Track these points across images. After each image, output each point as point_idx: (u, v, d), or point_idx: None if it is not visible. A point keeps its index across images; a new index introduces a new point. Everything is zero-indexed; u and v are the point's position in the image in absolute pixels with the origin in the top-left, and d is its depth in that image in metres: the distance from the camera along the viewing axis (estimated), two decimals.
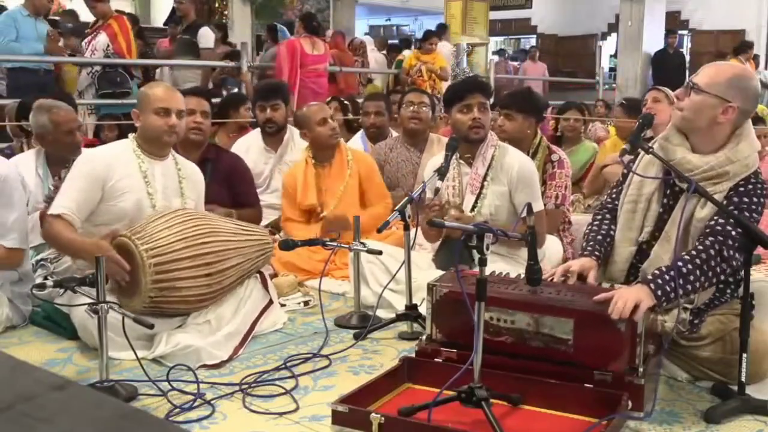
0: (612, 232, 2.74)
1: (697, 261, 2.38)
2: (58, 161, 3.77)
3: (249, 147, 4.77)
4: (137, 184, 3.05)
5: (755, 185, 2.50)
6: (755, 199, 2.48)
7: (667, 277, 2.35)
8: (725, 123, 2.51)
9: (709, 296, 2.54)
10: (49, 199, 3.47)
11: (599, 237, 2.74)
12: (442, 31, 10.09)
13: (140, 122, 3.12)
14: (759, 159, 2.57)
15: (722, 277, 2.44)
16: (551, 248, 3.63)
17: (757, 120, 5.56)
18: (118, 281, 2.76)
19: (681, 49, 12.91)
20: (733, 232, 2.40)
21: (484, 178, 3.42)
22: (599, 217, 2.82)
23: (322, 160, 4.17)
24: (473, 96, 3.38)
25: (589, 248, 2.71)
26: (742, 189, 2.49)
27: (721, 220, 2.43)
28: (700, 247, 2.41)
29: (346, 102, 6.63)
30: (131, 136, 3.17)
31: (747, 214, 2.45)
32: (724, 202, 2.47)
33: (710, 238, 2.42)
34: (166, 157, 3.18)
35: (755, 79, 2.64)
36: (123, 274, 2.73)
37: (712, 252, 2.39)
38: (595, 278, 2.61)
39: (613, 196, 2.82)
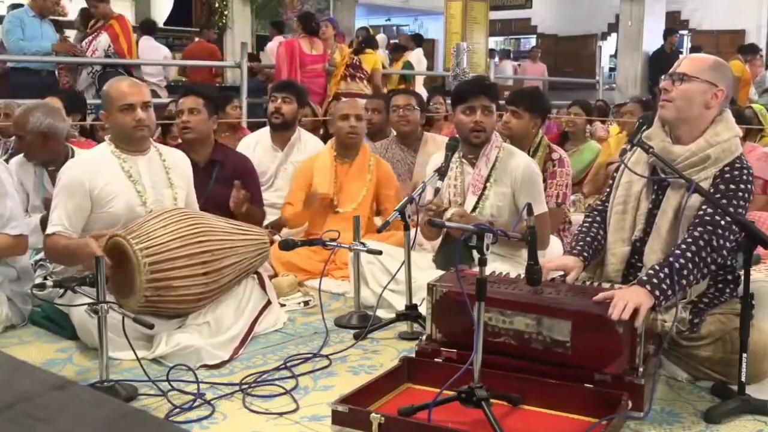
0: (599, 237, 2.76)
1: (688, 254, 2.38)
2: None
3: (257, 144, 4.79)
4: (123, 186, 3.02)
5: (741, 170, 2.51)
6: (741, 186, 2.49)
7: (662, 275, 2.35)
8: (714, 108, 2.55)
9: (703, 289, 2.55)
10: (46, 202, 3.47)
11: (588, 239, 2.75)
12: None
13: (109, 123, 3.10)
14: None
15: (713, 267, 2.45)
16: (552, 248, 3.62)
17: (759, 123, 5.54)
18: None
19: (680, 49, 12.86)
20: (722, 221, 2.40)
21: (487, 179, 3.40)
22: (589, 219, 2.83)
23: (343, 157, 4.18)
24: (477, 98, 3.35)
25: (578, 248, 2.72)
26: (727, 176, 2.50)
27: (709, 210, 2.44)
28: (690, 240, 2.41)
29: None
30: (107, 138, 3.14)
31: (735, 202, 2.46)
32: (711, 190, 2.48)
33: (699, 229, 2.42)
34: (148, 150, 3.14)
35: (730, 66, 2.74)
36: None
37: (702, 243, 2.39)
38: (575, 279, 2.61)
39: (603, 198, 2.84)
